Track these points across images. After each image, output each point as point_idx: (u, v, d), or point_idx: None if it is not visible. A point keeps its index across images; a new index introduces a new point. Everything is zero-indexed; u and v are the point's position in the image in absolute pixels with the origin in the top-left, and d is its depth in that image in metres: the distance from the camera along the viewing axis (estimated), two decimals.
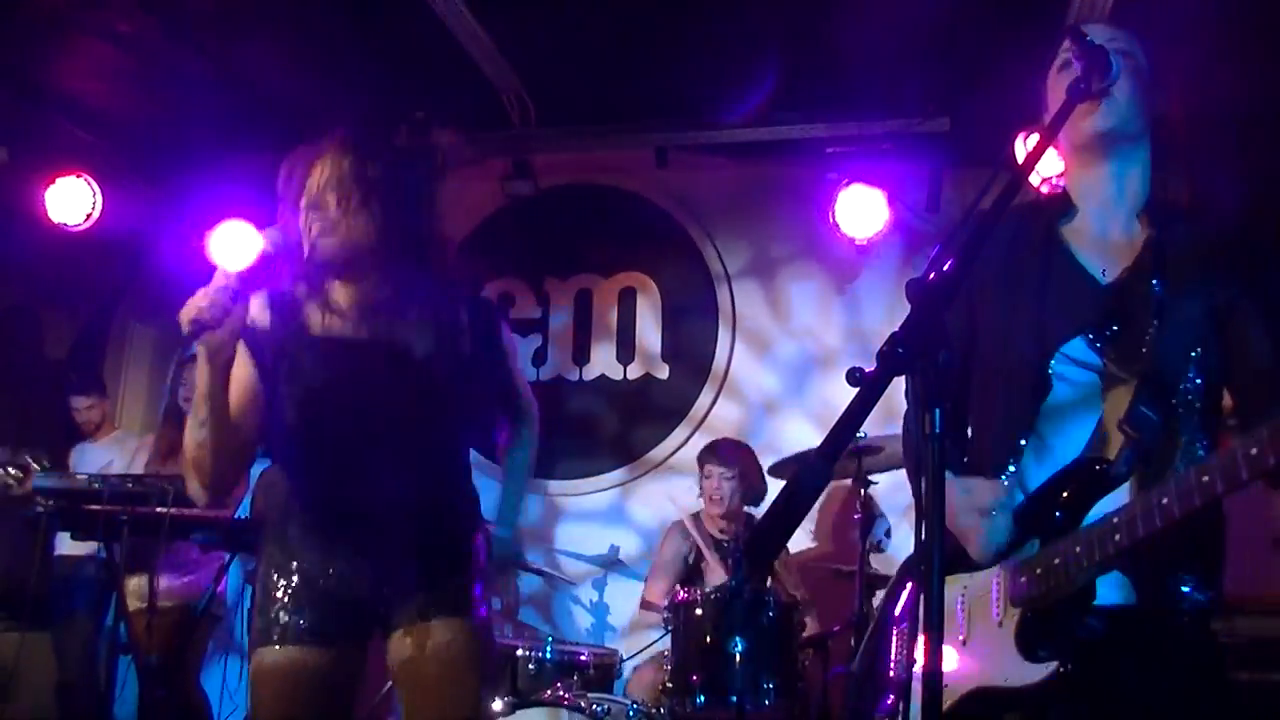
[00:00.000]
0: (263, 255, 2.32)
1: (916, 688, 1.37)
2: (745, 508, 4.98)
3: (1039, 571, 1.87)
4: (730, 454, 4.99)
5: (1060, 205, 2.12)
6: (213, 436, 2.30)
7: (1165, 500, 1.68)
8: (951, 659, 1.97)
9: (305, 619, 2.40)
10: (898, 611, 2.12)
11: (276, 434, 2.49)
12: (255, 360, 2.43)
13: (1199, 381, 1.91)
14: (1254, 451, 1.59)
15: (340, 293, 2.47)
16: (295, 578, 2.43)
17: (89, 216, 5.56)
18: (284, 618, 2.40)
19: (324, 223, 2.38)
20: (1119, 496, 1.86)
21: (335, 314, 2.46)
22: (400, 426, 2.44)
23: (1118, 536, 1.75)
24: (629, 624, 5.67)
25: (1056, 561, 1.84)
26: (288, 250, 2.38)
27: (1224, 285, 1.93)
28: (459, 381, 2.49)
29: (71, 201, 5.54)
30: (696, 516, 5.13)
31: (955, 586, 2.03)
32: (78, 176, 5.53)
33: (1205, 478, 1.64)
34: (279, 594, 2.43)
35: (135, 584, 4.45)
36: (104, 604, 5.16)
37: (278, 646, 2.39)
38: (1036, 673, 1.83)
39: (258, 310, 2.44)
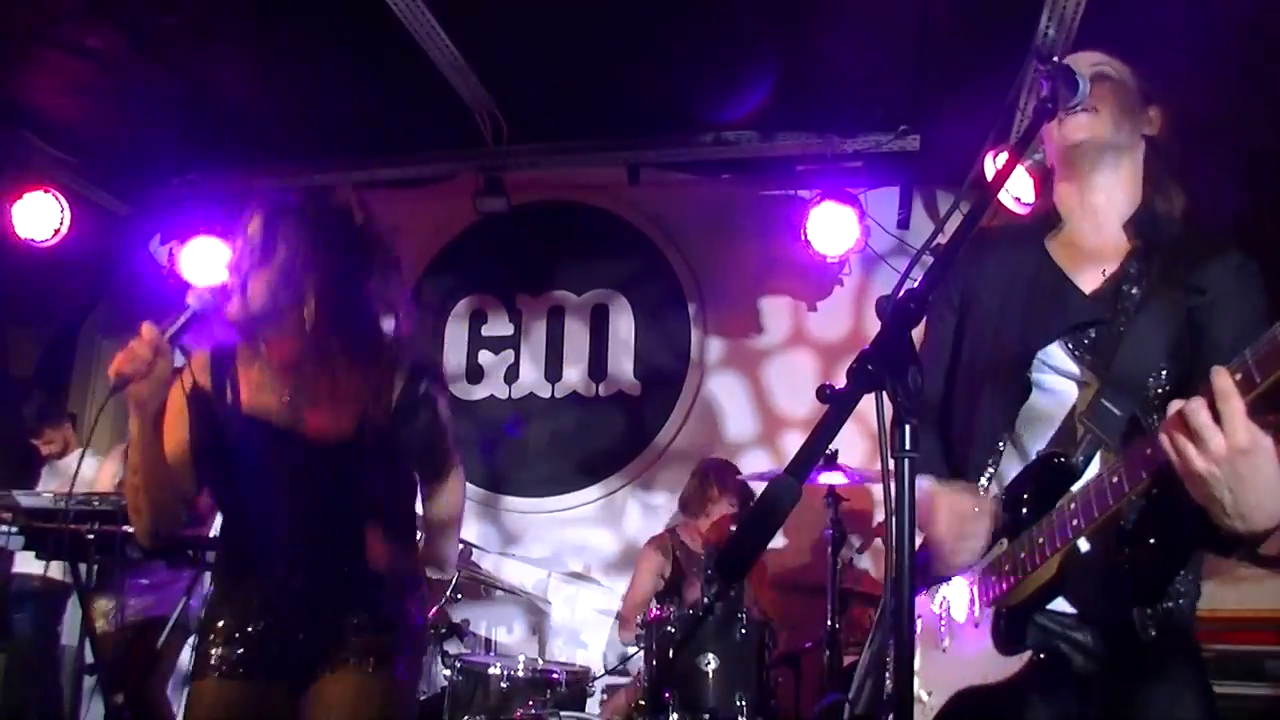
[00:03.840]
0: (191, 313, 2.39)
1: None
2: None
3: (1007, 568, 1.90)
4: (740, 484, 5.01)
5: (1048, 220, 2.18)
6: (146, 483, 2.39)
7: (1116, 478, 1.71)
8: (936, 667, 2.00)
9: (239, 654, 2.42)
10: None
11: (215, 486, 2.54)
12: (194, 417, 2.47)
13: (1168, 384, 1.93)
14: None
15: (271, 355, 2.49)
16: (232, 615, 2.45)
17: (56, 232, 5.50)
18: (220, 651, 2.43)
19: (235, 287, 2.44)
20: None
21: (264, 379, 2.49)
22: (325, 491, 2.46)
23: (1076, 520, 1.78)
24: (602, 641, 5.65)
25: (1022, 555, 1.87)
26: (215, 309, 2.43)
27: (1201, 291, 1.96)
28: (381, 448, 2.49)
29: (39, 217, 5.48)
30: (674, 532, 5.13)
31: (936, 596, 2.07)
32: (45, 192, 5.49)
33: (1148, 450, 1.67)
34: (217, 628, 2.45)
35: (101, 603, 4.41)
36: (53, 622, 5.12)
37: (213, 679, 2.42)
38: (1012, 665, 1.85)
39: (200, 371, 2.50)
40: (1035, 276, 2.10)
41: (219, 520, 2.63)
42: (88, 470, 5.43)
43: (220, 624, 2.46)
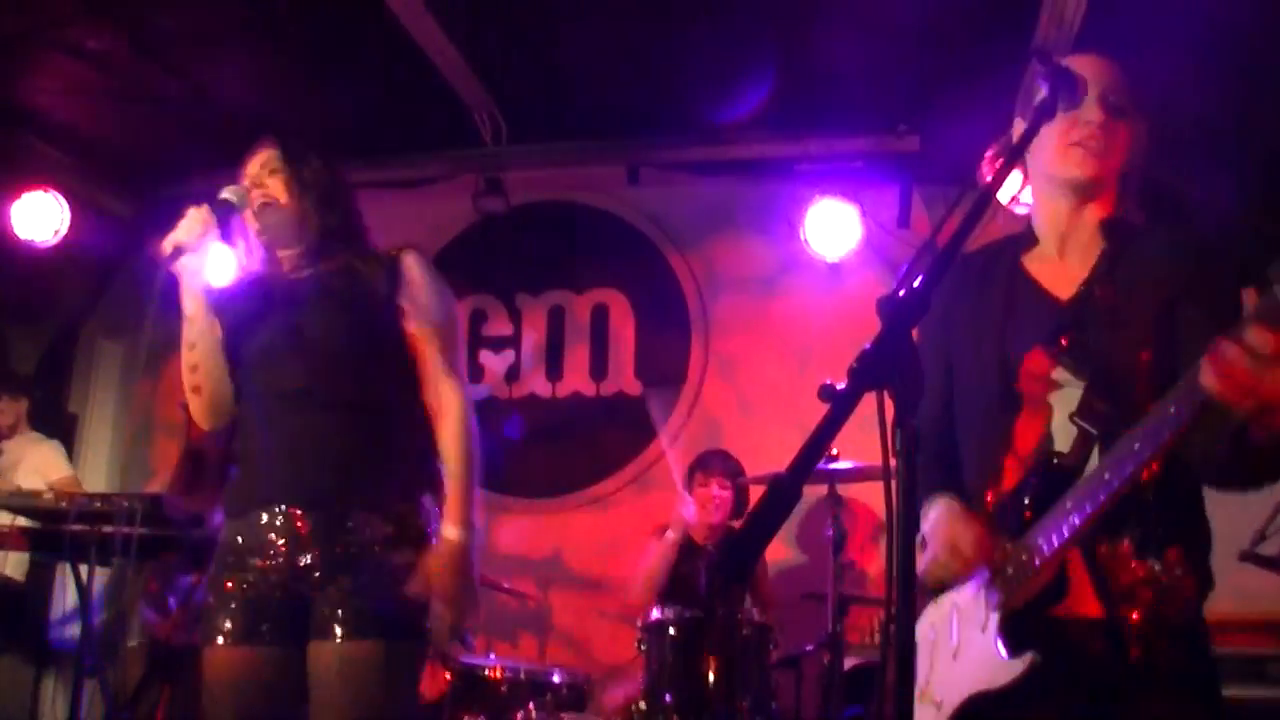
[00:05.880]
0: (230, 205, 2.62)
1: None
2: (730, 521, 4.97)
3: (1010, 571, 1.89)
4: (727, 464, 4.99)
5: (1024, 239, 2.18)
6: (203, 359, 2.58)
7: (1107, 475, 1.73)
8: (946, 673, 2.00)
9: (239, 619, 2.45)
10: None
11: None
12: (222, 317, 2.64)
13: (1153, 380, 1.93)
14: (1170, 410, 1.67)
15: (287, 257, 2.71)
16: (231, 575, 2.49)
17: (56, 233, 5.49)
18: (220, 617, 2.46)
19: (265, 200, 2.64)
20: None
21: (283, 276, 2.70)
22: (322, 377, 2.54)
23: (1074, 518, 1.79)
24: (602, 643, 5.64)
25: (1024, 558, 1.87)
26: (246, 203, 2.65)
27: (1173, 287, 1.96)
28: (369, 325, 2.60)
29: (39, 218, 5.47)
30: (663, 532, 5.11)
31: (946, 603, 2.07)
32: (45, 192, 5.48)
33: (1135, 445, 1.70)
34: (218, 592, 2.49)
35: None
36: (24, 625, 5.12)
37: (218, 646, 2.45)
38: (1014, 669, 1.85)
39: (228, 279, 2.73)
40: (1010, 292, 2.10)
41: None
42: (35, 453, 5.36)
43: (220, 586, 2.49)
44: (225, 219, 2.61)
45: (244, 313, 2.64)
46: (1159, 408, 1.69)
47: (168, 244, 2.51)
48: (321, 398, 2.53)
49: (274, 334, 2.58)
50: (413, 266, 2.67)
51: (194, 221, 2.54)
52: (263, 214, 2.65)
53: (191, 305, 2.58)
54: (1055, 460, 1.93)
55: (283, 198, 2.65)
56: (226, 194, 2.63)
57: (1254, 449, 1.72)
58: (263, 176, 2.67)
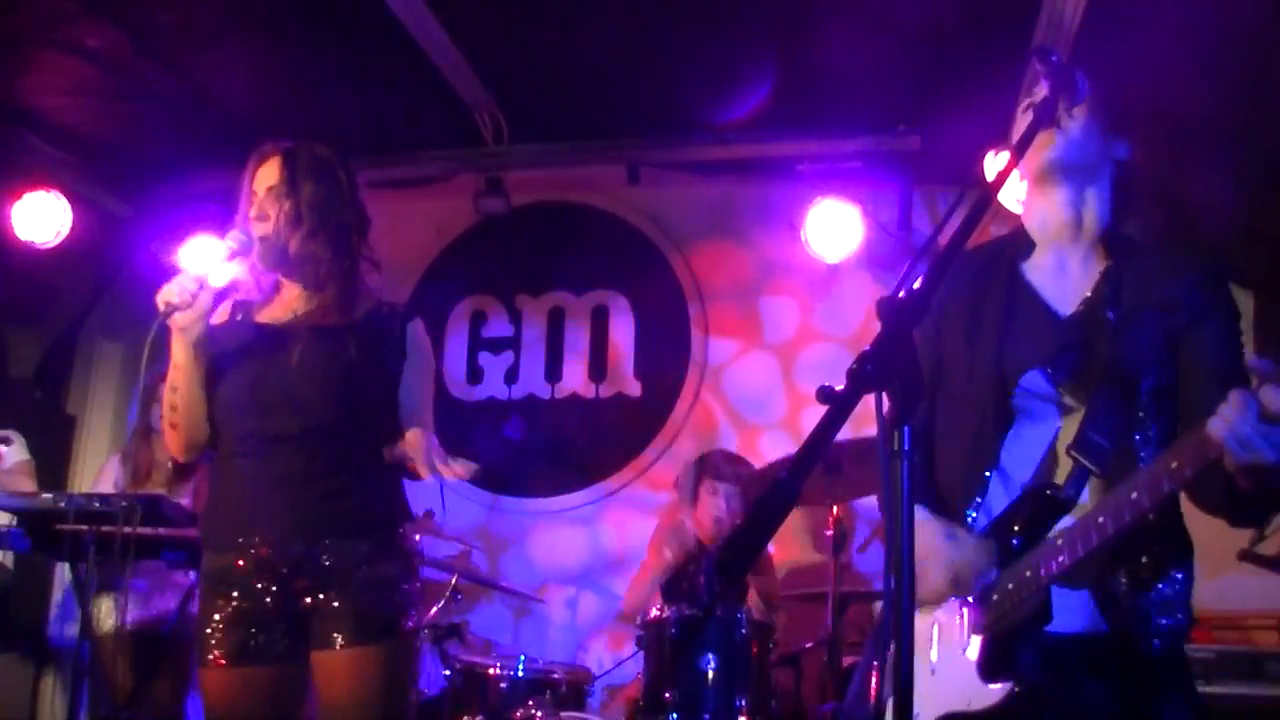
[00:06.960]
0: (230, 251, 2.66)
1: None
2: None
3: (995, 598, 1.90)
4: (732, 470, 4.92)
5: (1021, 243, 2.17)
6: (185, 402, 2.64)
7: (1101, 519, 1.72)
8: (923, 687, 1.99)
9: (234, 639, 2.53)
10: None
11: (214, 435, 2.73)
12: (211, 354, 2.68)
13: (1152, 407, 1.93)
14: (1173, 465, 1.64)
15: (288, 291, 2.76)
16: (222, 595, 2.56)
17: (57, 233, 5.48)
18: (216, 638, 2.54)
19: (266, 231, 2.67)
20: None
21: (278, 311, 2.75)
22: (312, 426, 2.61)
23: (1062, 557, 1.78)
24: (601, 642, 5.65)
25: (1010, 586, 1.87)
26: (249, 248, 2.68)
27: (1180, 309, 1.95)
28: (364, 391, 2.66)
29: (39, 218, 5.46)
30: (680, 526, 5.10)
31: (928, 618, 2.06)
32: (46, 192, 5.47)
33: (1134, 494, 1.69)
34: (211, 613, 2.56)
35: (106, 605, 4.40)
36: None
37: (214, 667, 2.53)
38: (993, 695, 1.85)
39: (220, 311, 2.74)
40: (1010, 300, 2.09)
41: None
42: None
43: (212, 606, 2.56)
44: (228, 262, 2.67)
45: (236, 352, 2.68)
46: (1162, 460, 1.68)
47: (160, 301, 2.55)
48: (304, 442, 2.59)
49: (264, 380, 2.63)
50: (421, 340, 2.79)
51: (188, 280, 2.57)
52: (265, 251, 2.69)
53: (180, 354, 2.63)
54: (1049, 492, 1.92)
55: (287, 234, 2.66)
56: (229, 241, 2.66)
57: (1241, 497, 1.73)
58: (267, 204, 2.68)
